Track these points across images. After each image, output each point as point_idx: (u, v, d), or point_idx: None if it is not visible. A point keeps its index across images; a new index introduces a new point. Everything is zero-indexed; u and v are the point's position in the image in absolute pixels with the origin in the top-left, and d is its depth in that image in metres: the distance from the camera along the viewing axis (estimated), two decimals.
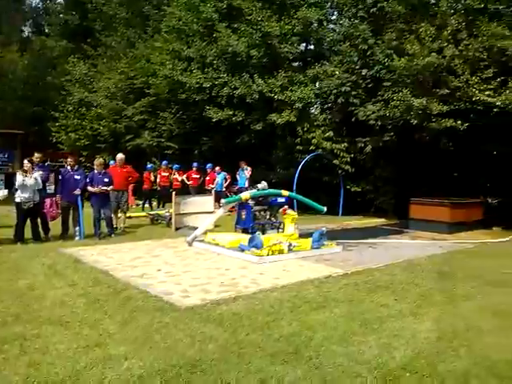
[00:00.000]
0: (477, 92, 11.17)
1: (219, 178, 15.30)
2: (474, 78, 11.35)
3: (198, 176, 15.86)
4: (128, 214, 11.78)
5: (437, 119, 11.82)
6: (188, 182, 15.72)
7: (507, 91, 10.77)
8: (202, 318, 4.49)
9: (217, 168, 15.58)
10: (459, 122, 11.60)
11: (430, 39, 11.59)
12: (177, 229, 10.73)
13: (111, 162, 14.56)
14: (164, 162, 16.32)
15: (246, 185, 14.55)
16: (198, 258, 7.58)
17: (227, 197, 12.88)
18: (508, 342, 4.09)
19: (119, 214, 10.82)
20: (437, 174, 13.73)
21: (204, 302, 5.01)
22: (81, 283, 5.79)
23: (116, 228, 10.43)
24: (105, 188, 9.53)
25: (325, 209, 10.21)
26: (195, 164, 16.05)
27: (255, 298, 5.21)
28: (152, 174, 16.00)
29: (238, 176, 15.44)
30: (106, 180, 9.65)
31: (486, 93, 11.09)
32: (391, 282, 6.15)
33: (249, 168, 15.20)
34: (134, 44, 21.91)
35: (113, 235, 9.81)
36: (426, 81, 12.25)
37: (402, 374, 3.44)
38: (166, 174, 15.76)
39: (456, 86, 11.60)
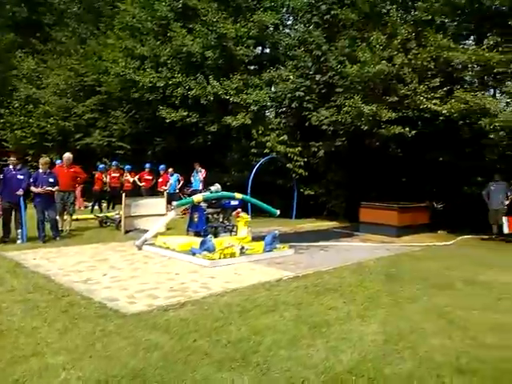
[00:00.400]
0: (424, 100, 11.59)
1: (172, 180, 15.06)
2: (421, 86, 11.77)
3: (150, 177, 15.52)
4: (75, 216, 11.33)
5: (386, 126, 12.16)
6: (140, 184, 15.35)
7: (452, 100, 11.24)
8: (148, 325, 4.34)
9: (170, 169, 15.31)
10: (407, 129, 11.99)
11: (381, 47, 11.90)
12: (126, 232, 10.42)
13: (57, 161, 13.96)
14: (114, 163, 15.84)
15: (201, 187, 14.37)
16: (146, 262, 7.37)
17: (180, 199, 12.70)
18: (451, 344, 4.20)
19: (65, 216, 10.39)
20: (386, 179, 14.14)
21: (151, 308, 4.85)
22: (20, 289, 5.50)
23: (61, 231, 10.02)
24: (49, 188, 9.13)
25: (278, 212, 10.26)
26: (148, 165, 15.69)
27: (204, 303, 5.10)
28: (104, 174, 15.50)
29: (192, 178, 15.24)
30: (51, 180, 9.25)
31: (433, 101, 11.52)
32: (340, 284, 6.21)
33: (203, 170, 15.05)
34: (86, 40, 21.29)
35: (58, 238, 9.40)
36: (376, 88, 12.60)
37: (349, 378, 3.44)
38: (117, 175, 15.31)
39: (405, 94, 11.99)
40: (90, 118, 19.08)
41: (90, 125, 19.19)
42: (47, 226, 9.33)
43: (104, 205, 15.44)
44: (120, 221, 10.80)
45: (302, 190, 15.15)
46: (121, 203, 10.94)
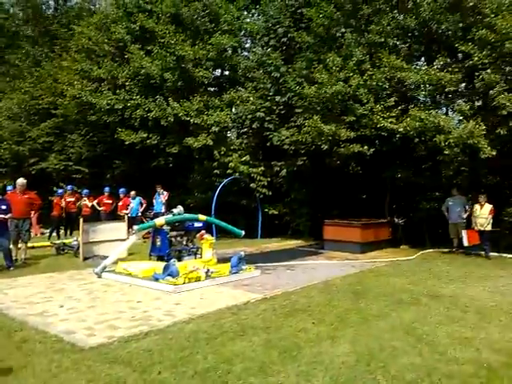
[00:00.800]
0: (381, 119, 11.89)
1: (134, 203, 14.67)
2: (377, 106, 12.09)
3: (110, 201, 15.03)
4: (31, 244, 10.80)
5: (345, 145, 12.37)
6: (99, 208, 14.86)
7: (408, 119, 11.58)
8: (108, 359, 4.08)
9: (132, 192, 14.92)
10: (366, 147, 12.23)
11: (337, 69, 12.18)
12: (85, 259, 9.99)
13: (8, 187, 13.29)
14: (69, 187, 15.30)
15: (163, 210, 14.08)
16: (106, 291, 7.03)
17: (143, 222, 12.37)
18: (421, 361, 4.17)
19: (20, 245, 9.87)
20: (347, 196, 14.35)
21: (111, 340, 4.58)
22: None
23: (16, 260, 9.49)
24: (1, 216, 8.66)
25: (243, 233, 10.14)
26: (107, 189, 15.21)
27: (169, 332, 4.88)
28: (62, 199, 14.91)
29: (154, 201, 14.92)
30: (4, 207, 8.83)
31: (389, 120, 11.84)
32: (309, 304, 6.13)
33: (165, 192, 14.77)
34: (41, 63, 20.78)
35: (12, 268, 8.91)
36: (334, 108, 12.82)
37: None
38: (72, 199, 14.77)
39: (362, 114, 12.25)
40: (46, 141, 18.59)
41: (45, 149, 18.66)
42: (0, 255, 8.82)
43: (62, 231, 14.84)
44: (78, 247, 10.36)
45: (266, 210, 15.12)
46: (79, 229, 10.52)
